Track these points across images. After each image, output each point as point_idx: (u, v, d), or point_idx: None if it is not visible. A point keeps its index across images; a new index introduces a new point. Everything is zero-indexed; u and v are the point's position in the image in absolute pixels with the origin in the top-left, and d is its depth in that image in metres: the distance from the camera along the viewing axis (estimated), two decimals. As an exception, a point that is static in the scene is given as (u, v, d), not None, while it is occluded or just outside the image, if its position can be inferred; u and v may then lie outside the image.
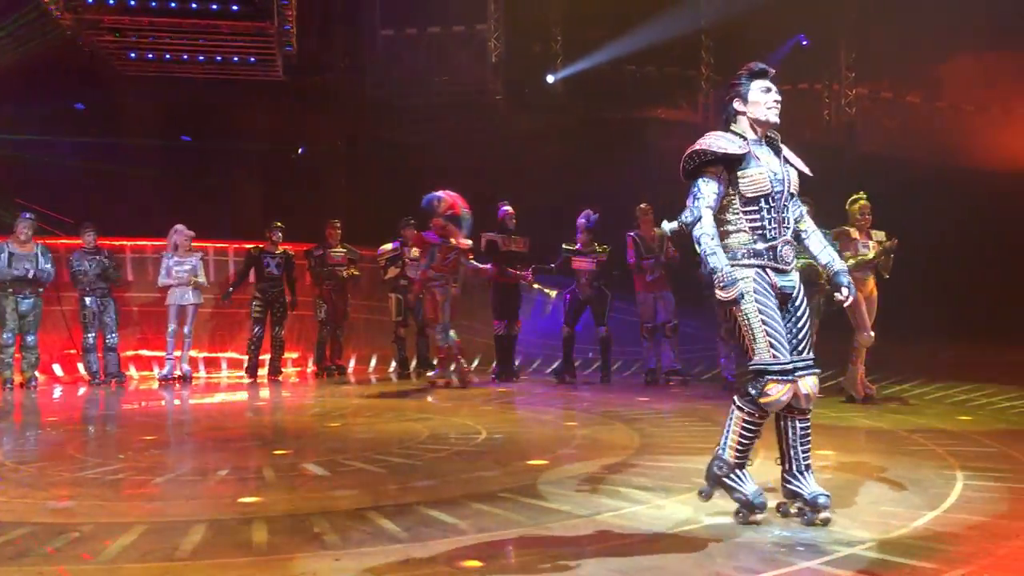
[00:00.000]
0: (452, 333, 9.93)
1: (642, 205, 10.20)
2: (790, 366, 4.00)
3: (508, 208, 10.60)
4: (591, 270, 10.31)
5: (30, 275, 10.00)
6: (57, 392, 10.21)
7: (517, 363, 11.12)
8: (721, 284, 3.92)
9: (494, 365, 10.87)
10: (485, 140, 14.83)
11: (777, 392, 3.99)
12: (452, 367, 10.07)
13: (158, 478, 5.30)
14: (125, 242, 11.64)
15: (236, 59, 13.81)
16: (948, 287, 13.03)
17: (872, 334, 8.22)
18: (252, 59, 13.88)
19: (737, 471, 4.11)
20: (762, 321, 3.98)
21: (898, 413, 7.51)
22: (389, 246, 11.25)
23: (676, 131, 16.05)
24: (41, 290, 10.21)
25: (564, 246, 10.43)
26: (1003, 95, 15.31)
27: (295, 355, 11.78)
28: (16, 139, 12.69)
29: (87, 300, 10.59)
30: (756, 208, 4.06)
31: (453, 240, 9.69)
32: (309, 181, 14.89)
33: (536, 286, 10.68)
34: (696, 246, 4.01)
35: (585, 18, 15.43)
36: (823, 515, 3.98)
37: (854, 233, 8.25)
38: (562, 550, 3.70)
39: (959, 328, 12.13)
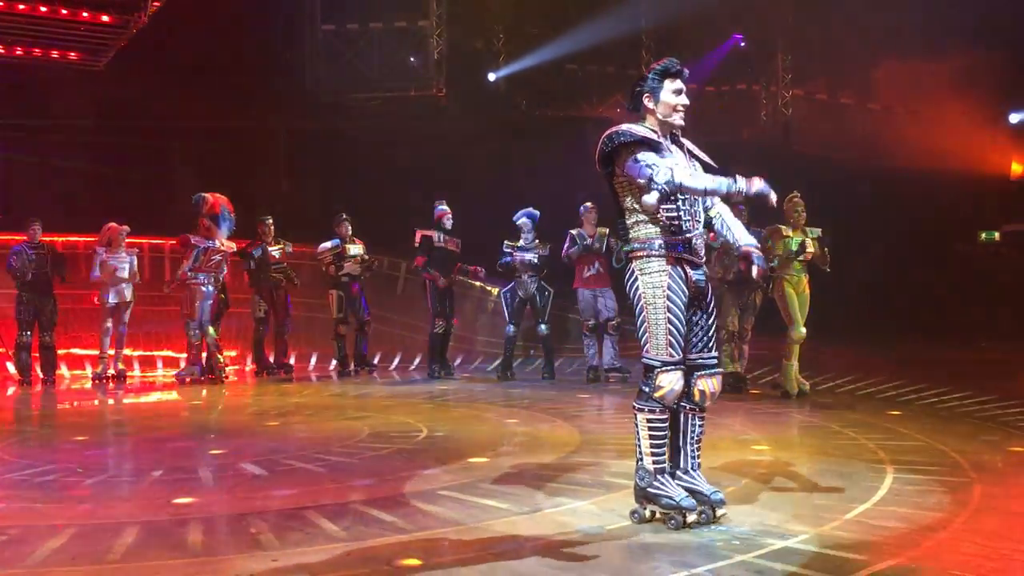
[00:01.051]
0: (211, 331, 10.27)
1: (587, 204, 10.25)
2: (681, 359, 4.01)
3: (444, 207, 10.58)
4: (533, 267, 10.34)
5: None
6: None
7: (458, 361, 11.10)
8: (751, 187, 3.90)
9: (429, 362, 10.84)
10: (426, 137, 14.79)
11: (668, 382, 3.97)
12: (205, 362, 10.32)
13: (90, 479, 5.19)
14: (56, 237, 11.32)
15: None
16: (879, 285, 13.37)
17: (804, 330, 8.38)
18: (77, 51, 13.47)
19: (659, 477, 4.04)
20: (668, 320, 3.97)
21: (831, 408, 7.67)
22: (328, 244, 11.14)
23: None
24: None
25: (506, 243, 10.43)
26: (934, 99, 15.74)
27: (233, 353, 11.60)
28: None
29: (25, 296, 10.28)
30: (671, 200, 3.97)
31: (219, 241, 10.13)
32: (246, 176, 14.69)
33: (479, 283, 10.69)
34: (696, 191, 3.95)
35: (527, 16, 15.48)
36: (721, 511, 4.02)
37: (786, 231, 8.40)
38: (502, 548, 3.70)
39: (889, 325, 12.46)
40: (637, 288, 4.04)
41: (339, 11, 15.65)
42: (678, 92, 4.09)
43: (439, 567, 3.48)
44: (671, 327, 3.97)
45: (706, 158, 4.25)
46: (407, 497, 4.57)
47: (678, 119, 4.11)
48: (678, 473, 4.11)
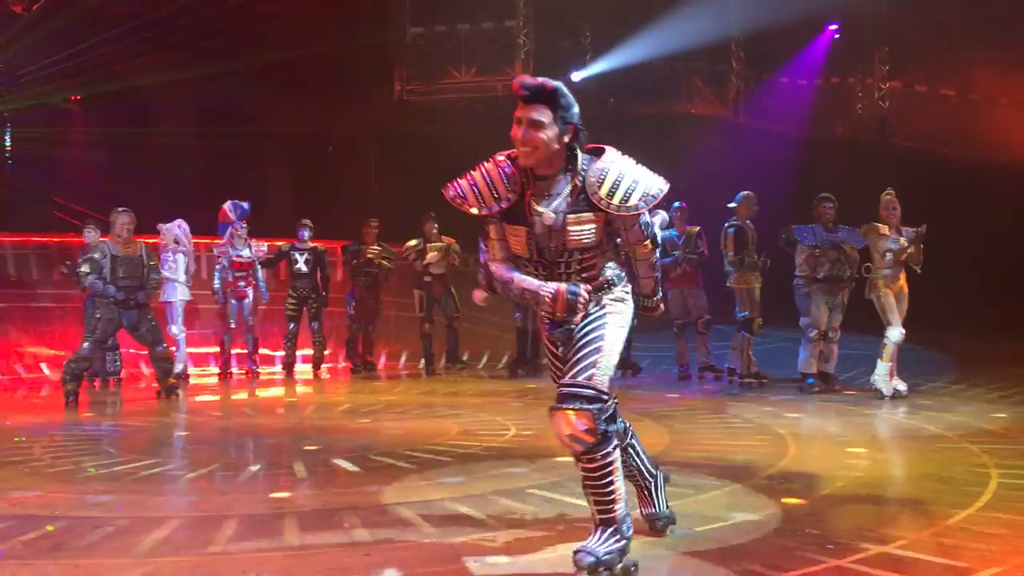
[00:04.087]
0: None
1: (676, 204, 10.19)
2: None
3: None
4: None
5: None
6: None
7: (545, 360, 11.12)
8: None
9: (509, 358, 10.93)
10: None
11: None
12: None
13: (192, 473, 5.38)
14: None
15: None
16: (982, 284, 12.88)
17: (903, 330, 8.14)
18: None
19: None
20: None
21: (930, 410, 7.43)
22: (413, 242, 11.33)
23: (706, 126, 15.99)
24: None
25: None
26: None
27: (327, 351, 11.86)
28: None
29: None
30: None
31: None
32: (338, 178, 14.99)
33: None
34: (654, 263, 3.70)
35: (614, 13, 15.39)
36: None
37: (883, 229, 8.17)
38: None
39: (992, 325, 11.98)
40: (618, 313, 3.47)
41: (428, 14, 15.86)
42: (517, 122, 3.29)
43: (528, 565, 3.50)
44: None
45: (615, 200, 3.31)
46: (496, 495, 4.60)
47: (522, 159, 3.33)
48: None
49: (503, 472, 5.20)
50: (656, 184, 3.37)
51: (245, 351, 11.05)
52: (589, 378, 3.29)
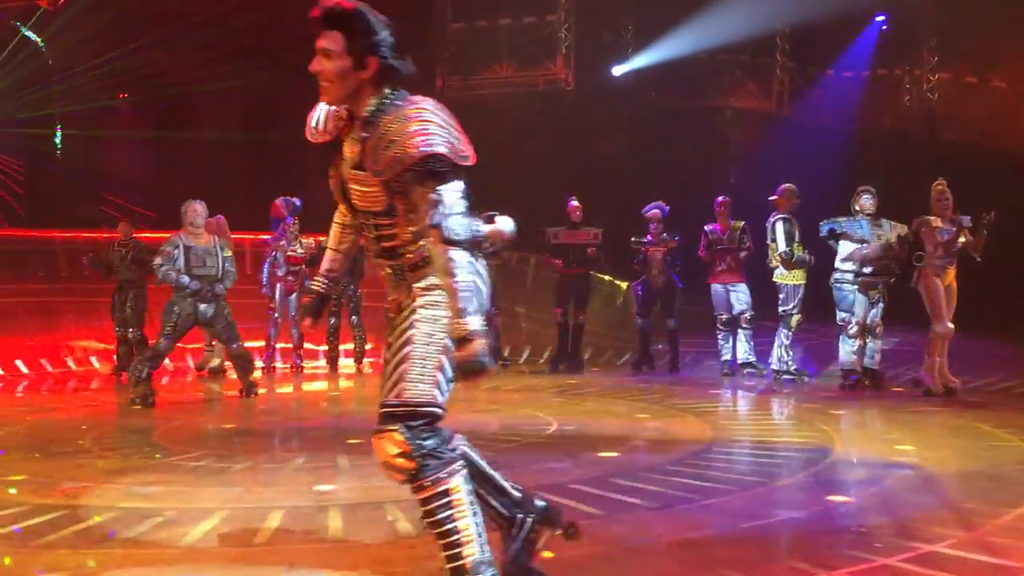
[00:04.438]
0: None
1: (720, 198, 10.13)
2: None
3: (575, 202, 10.65)
4: (662, 260, 10.28)
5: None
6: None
7: (587, 356, 11.11)
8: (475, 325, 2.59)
9: (552, 354, 10.95)
10: (555, 131, 14.81)
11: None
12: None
13: (238, 465, 5.44)
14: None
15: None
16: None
17: (951, 325, 7.99)
18: None
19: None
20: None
21: (981, 408, 7.28)
22: None
23: (749, 120, 15.82)
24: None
25: (634, 239, 10.41)
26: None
27: (370, 346, 11.94)
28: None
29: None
30: None
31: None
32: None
33: (607, 277, 10.69)
34: (457, 269, 2.60)
35: (656, 7, 15.27)
36: None
37: (936, 221, 8.02)
38: (635, 542, 3.69)
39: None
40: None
41: (469, 9, 15.87)
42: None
43: (572, 560, 3.50)
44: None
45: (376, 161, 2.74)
46: (538, 490, 4.58)
47: (320, 94, 2.88)
48: None
49: (545, 467, 5.19)
50: (417, 146, 2.63)
51: (289, 346, 11.17)
52: (398, 394, 2.77)
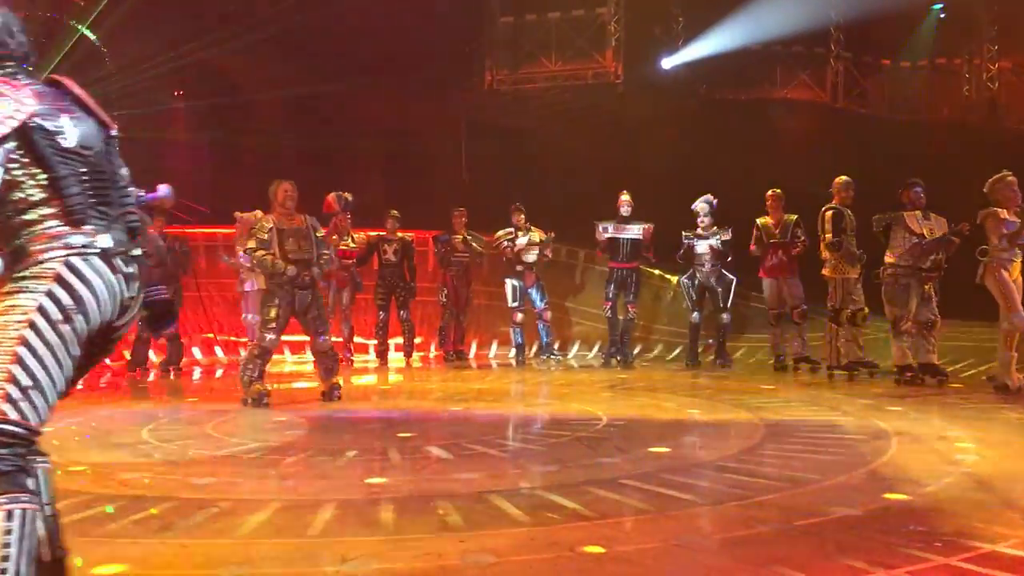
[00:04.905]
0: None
1: (771, 191, 10.00)
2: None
3: (625, 196, 10.63)
4: (713, 255, 10.22)
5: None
6: (197, 375, 10.72)
7: (637, 349, 11.08)
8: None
9: (608, 347, 10.92)
10: (605, 125, 14.74)
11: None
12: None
13: (291, 457, 5.50)
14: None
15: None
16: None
17: (1024, 317, 7.77)
18: None
19: None
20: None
21: (1044, 405, 7.10)
22: (502, 232, 11.41)
23: (803, 112, 15.58)
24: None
25: (684, 233, 10.36)
26: None
27: (419, 340, 12.01)
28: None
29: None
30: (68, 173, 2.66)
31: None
32: (428, 169, 15.13)
33: (657, 271, 10.66)
34: None
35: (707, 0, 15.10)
36: None
37: (1002, 213, 7.82)
38: (687, 538, 3.65)
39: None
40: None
41: (518, 3, 15.86)
42: None
43: (623, 554, 3.47)
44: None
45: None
46: (588, 484, 4.58)
47: None
48: None
49: (596, 462, 5.17)
50: None
51: (340, 339, 11.27)
52: None
